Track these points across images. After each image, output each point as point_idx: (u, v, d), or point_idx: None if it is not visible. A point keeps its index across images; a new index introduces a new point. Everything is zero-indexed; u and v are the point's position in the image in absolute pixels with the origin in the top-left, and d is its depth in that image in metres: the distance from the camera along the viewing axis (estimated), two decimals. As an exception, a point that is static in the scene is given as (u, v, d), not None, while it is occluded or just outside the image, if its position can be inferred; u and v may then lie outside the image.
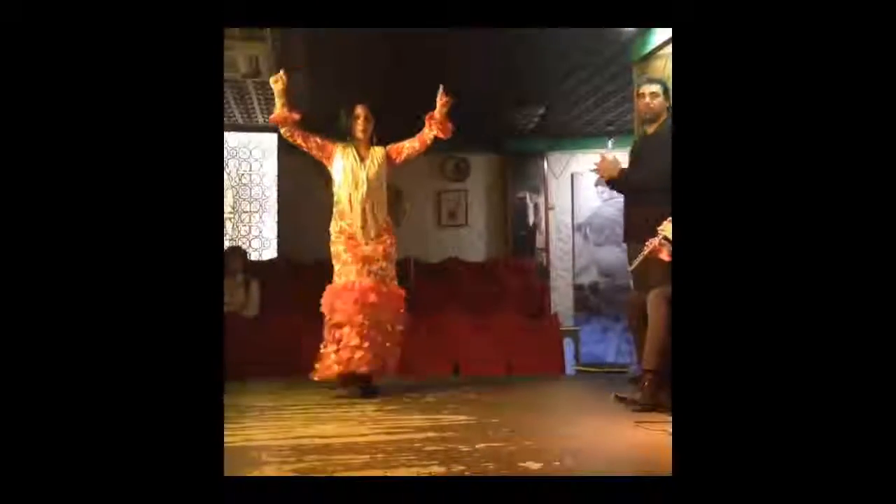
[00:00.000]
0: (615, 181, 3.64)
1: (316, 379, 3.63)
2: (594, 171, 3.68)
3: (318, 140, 3.72)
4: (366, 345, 3.54)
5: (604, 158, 3.63)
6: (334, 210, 3.76)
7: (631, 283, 3.78)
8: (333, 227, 3.74)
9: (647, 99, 3.55)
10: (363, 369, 3.56)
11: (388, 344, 3.67)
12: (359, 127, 3.72)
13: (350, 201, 3.67)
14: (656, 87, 3.53)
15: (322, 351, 3.64)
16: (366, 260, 3.65)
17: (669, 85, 3.46)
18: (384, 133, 3.82)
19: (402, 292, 3.76)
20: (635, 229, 3.42)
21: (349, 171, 3.68)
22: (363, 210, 3.67)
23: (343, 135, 3.74)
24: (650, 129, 3.59)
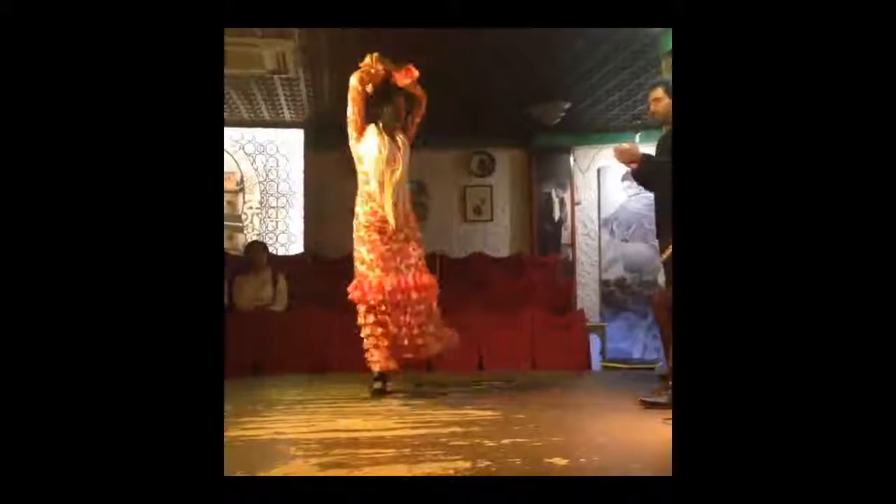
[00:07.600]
0: (640, 172, 3.61)
1: (379, 369, 3.53)
2: (614, 157, 3.66)
3: (360, 110, 3.55)
4: (429, 329, 3.57)
5: (622, 146, 3.61)
6: (363, 193, 3.56)
7: (660, 278, 3.75)
8: (363, 210, 3.55)
9: (652, 106, 3.53)
10: (425, 354, 3.64)
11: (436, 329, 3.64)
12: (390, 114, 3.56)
13: (383, 184, 3.48)
14: (659, 92, 3.48)
15: (376, 341, 3.52)
16: (400, 252, 3.55)
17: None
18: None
19: (434, 279, 3.68)
20: (665, 224, 3.40)
21: (383, 153, 3.48)
22: (396, 194, 3.50)
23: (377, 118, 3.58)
24: (666, 129, 3.57)
